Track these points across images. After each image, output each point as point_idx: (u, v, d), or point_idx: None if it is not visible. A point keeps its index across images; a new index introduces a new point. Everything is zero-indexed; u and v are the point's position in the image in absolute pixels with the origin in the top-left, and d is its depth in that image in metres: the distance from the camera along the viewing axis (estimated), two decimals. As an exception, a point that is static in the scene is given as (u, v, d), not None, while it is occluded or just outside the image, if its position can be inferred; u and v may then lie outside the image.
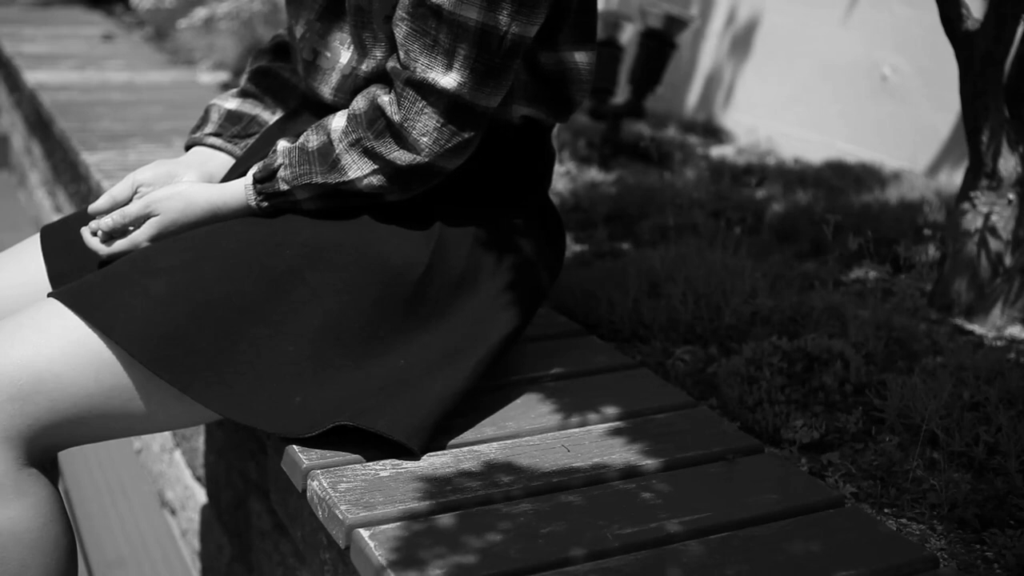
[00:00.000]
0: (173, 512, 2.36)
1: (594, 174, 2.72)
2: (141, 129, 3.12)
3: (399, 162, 1.27)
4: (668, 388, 1.50)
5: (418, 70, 1.23)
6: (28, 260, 1.45)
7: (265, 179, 1.33)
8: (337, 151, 1.29)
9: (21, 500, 1.19)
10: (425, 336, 1.32)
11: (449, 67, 1.23)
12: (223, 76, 4.21)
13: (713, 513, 1.18)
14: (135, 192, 1.40)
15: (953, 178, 2.78)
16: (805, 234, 2.26)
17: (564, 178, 2.63)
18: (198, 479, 2.14)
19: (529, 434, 1.35)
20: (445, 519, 1.15)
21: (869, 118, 3.12)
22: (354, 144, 1.28)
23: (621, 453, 1.30)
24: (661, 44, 3.01)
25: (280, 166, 1.32)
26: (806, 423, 1.45)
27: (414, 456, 1.26)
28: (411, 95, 1.24)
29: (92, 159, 2.73)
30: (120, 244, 1.36)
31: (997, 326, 1.85)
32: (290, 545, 1.54)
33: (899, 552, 1.14)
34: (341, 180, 1.29)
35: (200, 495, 2.13)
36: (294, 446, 1.27)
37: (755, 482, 1.26)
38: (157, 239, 1.35)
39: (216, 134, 1.51)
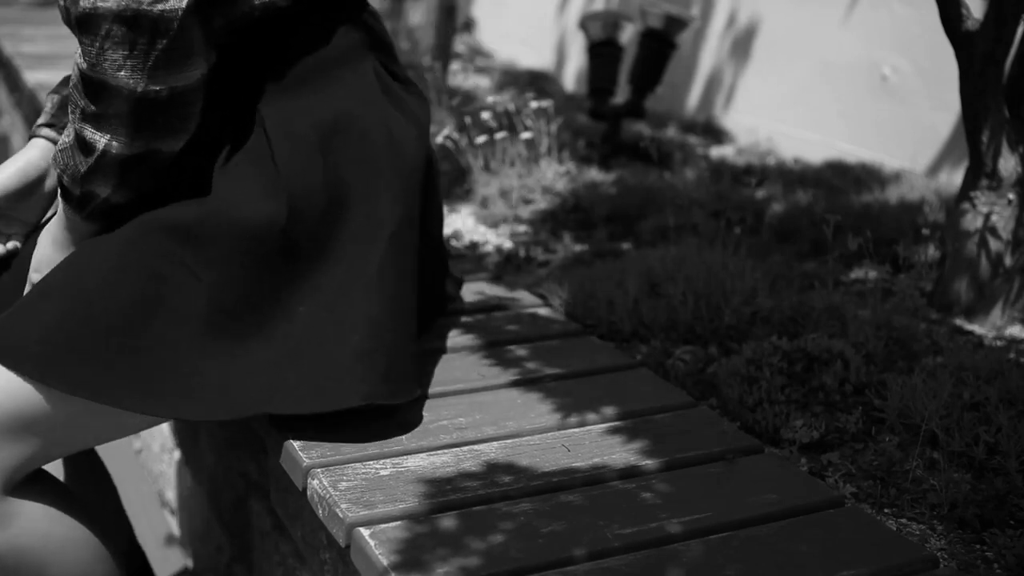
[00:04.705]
0: (173, 512, 2.36)
1: (594, 174, 2.72)
2: (141, 129, 3.11)
3: (123, 108, 1.17)
4: (668, 388, 1.50)
5: (80, 1, 1.12)
6: None
7: (64, 192, 1.28)
8: (79, 131, 1.21)
9: (7, 529, 1.21)
10: (315, 276, 1.29)
11: None
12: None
13: (713, 513, 1.18)
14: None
15: (953, 178, 2.78)
16: (805, 234, 2.26)
17: (564, 178, 2.63)
18: (198, 479, 2.14)
19: (529, 434, 1.35)
20: (446, 518, 1.15)
21: (869, 118, 3.12)
22: (84, 117, 1.20)
23: (621, 453, 1.31)
24: (661, 44, 3.01)
25: (60, 174, 1.26)
26: (806, 423, 1.45)
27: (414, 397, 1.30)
28: (87, 38, 1.13)
29: (92, 159, 2.72)
30: None
31: (997, 326, 1.85)
32: (290, 545, 1.54)
33: (899, 552, 1.14)
34: (97, 157, 1.21)
35: (200, 495, 2.13)
36: (294, 444, 1.27)
37: (755, 482, 1.26)
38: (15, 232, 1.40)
39: (49, 124, 1.43)
